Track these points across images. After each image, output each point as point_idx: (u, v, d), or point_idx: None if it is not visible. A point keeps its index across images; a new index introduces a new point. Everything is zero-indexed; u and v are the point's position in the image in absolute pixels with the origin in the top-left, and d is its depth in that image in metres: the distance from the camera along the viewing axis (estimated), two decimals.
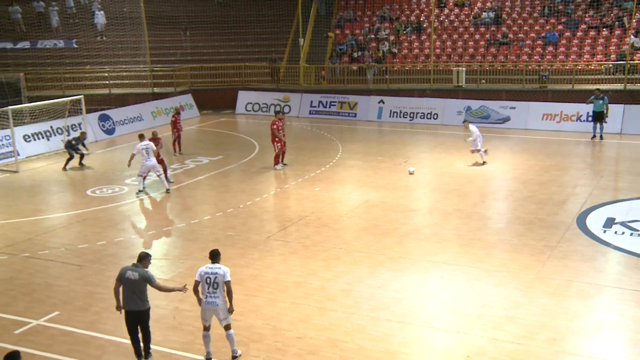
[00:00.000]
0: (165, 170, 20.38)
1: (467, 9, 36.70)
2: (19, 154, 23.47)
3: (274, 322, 11.54)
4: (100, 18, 37.96)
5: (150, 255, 10.49)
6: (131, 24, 36.21)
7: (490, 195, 19.50)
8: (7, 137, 23.97)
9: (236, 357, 10.44)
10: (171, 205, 18.92)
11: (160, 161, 20.27)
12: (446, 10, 37.00)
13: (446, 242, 15.23)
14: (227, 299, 10.10)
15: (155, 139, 20.42)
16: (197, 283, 10.13)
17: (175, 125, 24.83)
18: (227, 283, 10.02)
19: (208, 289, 9.97)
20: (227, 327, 10.26)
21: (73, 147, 23.08)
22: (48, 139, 25.94)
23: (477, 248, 14.77)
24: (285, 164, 22.47)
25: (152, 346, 10.51)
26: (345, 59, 35.77)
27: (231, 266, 13.63)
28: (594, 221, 16.33)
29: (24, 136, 24.98)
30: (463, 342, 10.72)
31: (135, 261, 10.34)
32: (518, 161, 23.04)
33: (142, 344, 10.27)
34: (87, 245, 15.49)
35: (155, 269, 13.96)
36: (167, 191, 19.76)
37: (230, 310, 10.18)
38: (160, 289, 10.34)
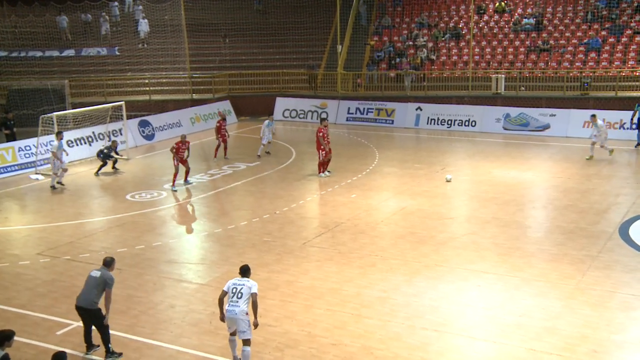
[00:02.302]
0: (186, 172, 21.18)
1: (507, 15, 36.28)
2: (52, 161, 23.94)
3: (309, 328, 11.53)
4: (144, 26, 38.70)
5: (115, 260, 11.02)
6: (172, 31, 36.79)
7: (529, 203, 19.19)
8: (52, 142, 24.48)
9: None
10: (208, 211, 19.10)
11: (184, 162, 20.88)
12: (485, 17, 36.65)
13: (484, 250, 15.03)
14: (251, 312, 10.11)
15: (183, 141, 21.01)
16: (223, 293, 10.27)
17: (220, 130, 25.05)
18: (254, 295, 10.10)
19: (232, 297, 10.11)
20: (245, 343, 10.16)
21: (105, 155, 23.44)
22: (90, 145, 26.46)
23: (516, 257, 14.54)
24: (329, 172, 22.26)
25: (187, 350, 10.62)
26: (382, 66, 35.69)
27: (267, 272, 13.79)
28: (637, 231, 15.93)
29: (67, 141, 25.50)
30: (501, 353, 10.56)
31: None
32: (558, 169, 22.64)
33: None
34: (126, 249, 15.73)
35: (192, 274, 14.16)
36: (174, 190, 20.71)
37: (255, 324, 10.16)
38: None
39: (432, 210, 18.23)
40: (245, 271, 10.45)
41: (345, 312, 12.09)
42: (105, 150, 23.69)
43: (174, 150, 20.72)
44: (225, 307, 10.19)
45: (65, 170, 21.94)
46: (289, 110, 34.51)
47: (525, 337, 10.93)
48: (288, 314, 12.05)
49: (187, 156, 21.12)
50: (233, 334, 10.32)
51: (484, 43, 35.01)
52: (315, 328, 11.52)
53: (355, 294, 12.85)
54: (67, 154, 23.01)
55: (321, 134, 21.90)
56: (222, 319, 10.30)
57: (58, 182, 21.70)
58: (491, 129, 29.68)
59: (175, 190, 20.75)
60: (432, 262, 14.35)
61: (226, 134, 25.29)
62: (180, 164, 20.83)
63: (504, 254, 14.73)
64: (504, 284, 13.14)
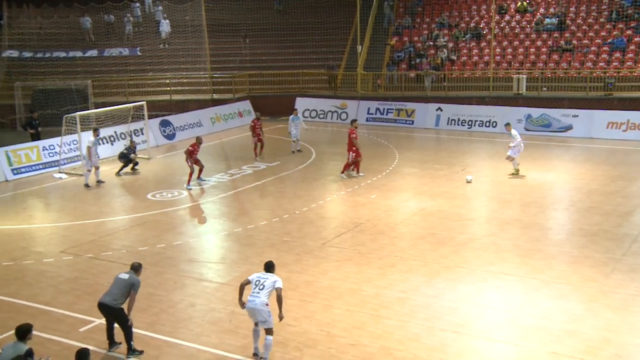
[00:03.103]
0: (200, 170, 21.69)
1: (529, 15, 35.99)
2: (84, 158, 24.21)
3: (328, 328, 11.55)
4: (165, 26, 39.01)
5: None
6: (193, 31, 37.04)
7: (550, 205, 19.03)
8: (75, 142, 24.84)
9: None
10: (228, 210, 19.20)
11: (196, 161, 21.27)
12: (507, 17, 36.39)
13: (504, 252, 14.95)
14: (271, 303, 10.42)
15: (198, 143, 21.54)
16: (246, 281, 10.63)
17: (255, 130, 25.16)
18: (278, 290, 10.43)
19: (254, 289, 10.44)
20: (268, 332, 10.45)
21: (125, 156, 23.69)
22: (112, 144, 26.73)
23: (537, 259, 14.43)
24: (362, 174, 22.06)
25: (207, 349, 10.74)
26: (403, 66, 35.60)
27: (286, 272, 13.83)
28: None
29: (89, 141, 25.77)
30: (521, 355, 10.50)
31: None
32: (581, 171, 22.42)
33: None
34: (147, 247, 15.88)
35: (212, 273, 14.26)
36: (188, 188, 21.12)
37: (280, 317, 10.44)
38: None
39: (452, 211, 18.16)
40: (270, 267, 10.80)
41: (364, 312, 12.10)
42: (125, 151, 23.93)
43: (188, 152, 21.15)
44: (247, 298, 10.45)
45: (97, 167, 22.22)
46: (308, 110, 34.55)
47: (546, 340, 10.86)
48: (307, 314, 12.09)
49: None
50: (257, 324, 10.53)
51: (505, 43, 34.77)
52: (334, 328, 11.54)
53: (375, 294, 12.86)
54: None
55: (354, 135, 21.76)
56: (242, 306, 10.57)
57: (98, 181, 22.10)
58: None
59: (190, 189, 21.00)
60: (452, 264, 14.30)
61: (261, 133, 25.35)
62: (194, 164, 21.23)
63: (524, 256, 14.63)
64: (524, 286, 13.06)
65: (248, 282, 10.60)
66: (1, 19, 38.30)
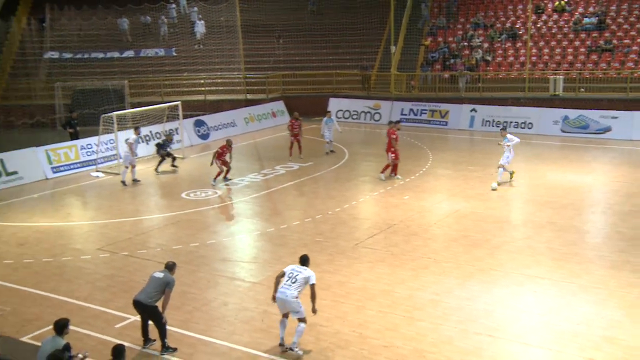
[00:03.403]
0: (226, 172, 21.94)
1: (567, 14, 35.43)
2: (121, 157, 24.60)
3: (361, 329, 11.53)
4: (200, 27, 39.40)
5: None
6: (227, 32, 37.32)
7: (587, 208, 18.70)
8: (112, 141, 25.24)
9: (293, 350, 10.67)
10: (261, 210, 19.30)
11: (224, 162, 21.69)
12: (544, 17, 35.87)
13: (540, 255, 14.74)
14: (312, 300, 10.76)
15: (228, 146, 21.85)
16: (282, 274, 10.90)
17: (292, 129, 25.28)
18: (312, 286, 10.71)
19: (287, 281, 10.71)
20: (301, 320, 10.73)
21: (161, 147, 24.05)
22: (147, 143, 27.08)
23: (573, 263, 14.20)
24: (399, 177, 21.79)
25: (239, 347, 10.85)
26: (437, 67, 35.35)
27: (319, 272, 13.79)
28: None
29: (125, 140, 26.14)
30: None
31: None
32: (619, 174, 21.97)
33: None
34: (181, 246, 16.05)
35: (244, 272, 14.35)
36: (212, 184, 21.58)
37: (314, 311, 10.73)
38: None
39: (486, 213, 17.98)
40: (305, 260, 11.08)
41: (397, 314, 12.05)
42: (161, 142, 24.28)
43: (216, 154, 21.58)
44: (279, 288, 10.75)
45: (134, 166, 22.53)
46: (342, 110, 34.52)
47: (583, 346, 10.67)
48: (339, 315, 12.09)
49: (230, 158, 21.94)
50: (285, 315, 10.81)
51: (541, 43, 34.28)
52: (366, 329, 11.52)
53: (408, 296, 12.80)
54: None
55: (394, 136, 21.59)
56: (274, 299, 10.82)
57: (134, 180, 22.40)
58: (548, 131, 29.04)
59: (214, 185, 21.50)
60: (486, 266, 14.16)
61: (299, 133, 25.36)
62: (222, 165, 21.68)
63: (560, 260, 14.41)
64: (560, 290, 12.86)
65: (283, 275, 10.87)
66: (44, 22, 39.12)
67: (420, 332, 11.36)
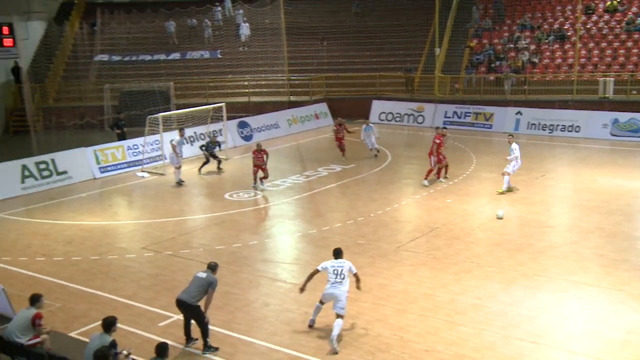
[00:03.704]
0: (263, 177, 21.58)
1: (619, 14, 34.54)
2: (165, 158, 25.04)
3: (402, 333, 11.48)
4: (245, 29, 39.79)
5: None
6: (271, 34, 37.58)
7: (637, 214, 18.22)
8: (157, 142, 25.70)
9: (332, 342, 10.88)
10: (303, 212, 19.37)
11: (263, 169, 21.43)
12: (594, 17, 35.07)
13: (586, 261, 14.42)
14: (357, 283, 11.66)
15: (259, 150, 21.49)
16: (316, 271, 11.51)
17: (336, 134, 25.58)
18: (356, 274, 11.56)
19: (336, 278, 11.26)
20: (340, 317, 11.12)
21: (206, 148, 24.32)
22: (192, 144, 27.47)
23: (622, 270, 13.84)
24: (443, 180, 21.66)
25: (280, 348, 10.94)
26: (482, 69, 34.92)
27: (360, 274, 13.75)
28: None
29: (170, 141, 26.58)
30: None
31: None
32: None
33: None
34: (223, 246, 16.23)
35: (286, 273, 14.43)
36: (253, 186, 21.56)
37: (359, 288, 11.65)
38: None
39: (530, 217, 17.68)
40: (339, 253, 11.66)
41: (438, 318, 11.95)
42: (205, 144, 24.59)
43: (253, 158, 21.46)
44: (326, 286, 11.31)
45: (178, 167, 22.82)
46: (385, 113, 34.41)
47: (633, 356, 10.41)
48: (380, 318, 12.05)
49: (265, 163, 21.54)
50: (322, 302, 11.41)
51: (591, 45, 33.53)
52: (407, 333, 11.45)
53: (449, 300, 12.68)
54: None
55: (438, 141, 21.28)
56: (302, 289, 11.59)
57: (178, 181, 22.68)
58: (597, 134, 28.38)
59: (255, 187, 21.48)
60: (530, 271, 13.92)
61: (342, 138, 25.52)
62: (259, 171, 21.48)
63: (608, 266, 14.07)
64: (607, 298, 12.56)
65: (317, 272, 11.44)
66: (95, 26, 40.11)
67: (461, 337, 11.24)
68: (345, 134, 25.66)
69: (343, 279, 11.22)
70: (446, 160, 21.76)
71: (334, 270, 11.28)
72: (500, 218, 17.36)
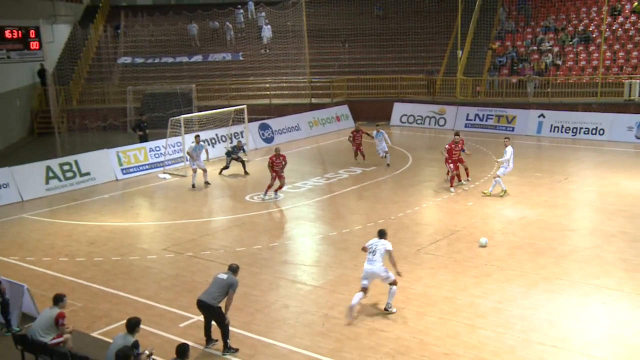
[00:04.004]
0: (280, 187, 20.78)
1: None
2: (187, 160, 25.19)
3: (422, 335, 11.44)
4: (267, 32, 39.95)
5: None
6: (293, 37, 37.67)
7: None
8: (179, 144, 25.90)
9: (388, 310, 12.19)
10: (324, 214, 19.39)
11: (280, 176, 20.65)
12: (620, 19, 34.63)
13: (609, 265, 14.25)
14: (389, 265, 12.33)
15: (277, 155, 20.75)
16: (365, 249, 12.48)
17: (354, 139, 25.31)
18: (390, 252, 12.27)
19: (369, 255, 12.25)
20: (392, 284, 12.24)
21: (229, 153, 24.39)
22: (213, 146, 27.63)
23: None
24: (463, 182, 21.52)
25: (299, 350, 10.96)
26: (504, 72, 34.66)
27: None
28: None
29: (192, 143, 26.80)
30: None
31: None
32: None
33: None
34: (244, 248, 16.31)
35: (306, 275, 14.45)
36: (264, 199, 20.75)
37: (398, 273, 12.29)
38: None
39: (552, 221, 17.51)
40: (383, 234, 12.52)
41: (458, 321, 11.89)
42: (230, 149, 24.71)
43: (270, 164, 20.62)
44: (365, 263, 12.24)
45: (204, 170, 22.99)
46: (406, 115, 34.32)
47: None
48: (400, 320, 12.03)
49: (282, 170, 20.74)
50: (364, 290, 12.17)
51: (616, 47, 33.13)
52: (427, 336, 11.41)
53: (470, 303, 12.61)
54: (208, 158, 24.49)
55: (448, 147, 21.02)
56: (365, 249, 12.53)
57: (206, 182, 22.83)
58: (621, 137, 28.04)
59: (264, 199, 20.53)
60: (552, 275, 13.80)
61: (360, 143, 25.26)
62: (277, 178, 20.66)
63: (632, 271, 13.89)
64: (631, 303, 12.40)
65: (366, 249, 12.41)
66: (118, 29, 40.57)
67: (482, 340, 11.17)
68: (365, 137, 25.46)
69: (374, 255, 12.16)
70: (465, 163, 21.52)
71: (370, 247, 12.32)
72: (484, 246, 15.63)
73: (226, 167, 24.48)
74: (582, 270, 14.03)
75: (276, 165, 20.63)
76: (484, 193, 20.10)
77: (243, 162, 24.62)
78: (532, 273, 13.95)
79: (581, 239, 16.22)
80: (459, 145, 21.06)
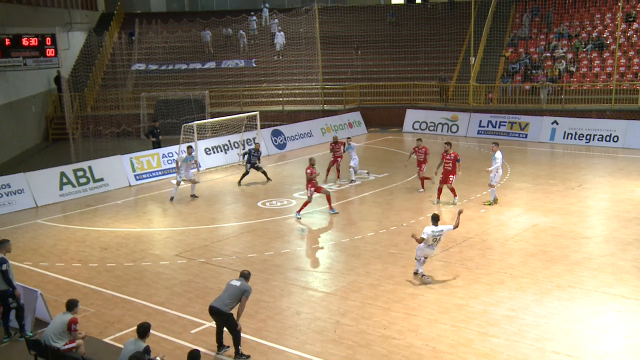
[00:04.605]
0: (328, 199, 19.74)
1: None
2: (200, 166, 25.30)
3: (434, 343, 11.37)
4: (280, 39, 40.09)
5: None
6: (306, 43, 37.77)
7: None
8: (182, 153, 25.92)
9: (425, 279, 14.04)
10: (336, 220, 19.36)
11: (319, 189, 19.56)
12: (635, 25, 34.40)
13: (624, 273, 14.11)
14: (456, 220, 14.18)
15: (312, 165, 19.38)
16: (422, 239, 13.71)
17: (334, 151, 23.98)
18: (450, 230, 14.08)
19: (432, 241, 13.80)
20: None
21: (250, 160, 24.19)
22: (226, 152, 27.73)
23: None
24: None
25: (311, 357, 10.97)
26: (517, 78, 34.54)
27: (392, 284, 13.80)
28: None
29: (205, 149, 26.91)
30: None
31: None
32: None
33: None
34: (255, 254, 16.31)
35: (318, 282, 14.42)
36: (298, 217, 19.41)
37: (457, 224, 14.21)
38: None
39: (566, 228, 17.38)
40: (436, 219, 13.95)
41: (471, 329, 11.82)
42: (247, 151, 24.46)
43: (309, 174, 19.16)
44: (421, 246, 13.86)
45: (194, 182, 22.23)
46: (418, 122, 34.26)
47: None
48: (412, 328, 11.96)
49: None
50: (419, 261, 14.10)
51: (631, 53, 32.92)
52: (439, 344, 11.35)
53: (482, 311, 12.53)
54: (198, 170, 23.99)
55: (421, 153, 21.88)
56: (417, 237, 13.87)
57: (192, 195, 21.99)
58: (636, 144, 27.80)
59: (299, 218, 19.36)
60: (565, 283, 13.68)
61: (340, 155, 23.88)
62: (315, 192, 19.36)
63: None
64: None
65: (424, 240, 13.68)
66: (133, 35, 40.89)
67: (494, 348, 11.09)
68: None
69: (437, 242, 13.92)
70: (450, 183, 20.20)
71: (433, 237, 13.77)
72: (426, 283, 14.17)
73: (246, 174, 24.19)
74: (597, 279, 13.91)
75: (315, 176, 19.23)
76: (485, 204, 19.82)
77: (264, 171, 24.31)
78: (545, 281, 13.85)
79: (595, 246, 16.09)
80: (449, 155, 20.09)
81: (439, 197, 20.39)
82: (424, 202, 20.68)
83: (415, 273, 14.22)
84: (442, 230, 13.86)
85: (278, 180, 24.65)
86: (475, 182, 22.42)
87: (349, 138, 24.72)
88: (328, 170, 24.16)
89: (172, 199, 21.86)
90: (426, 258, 14.08)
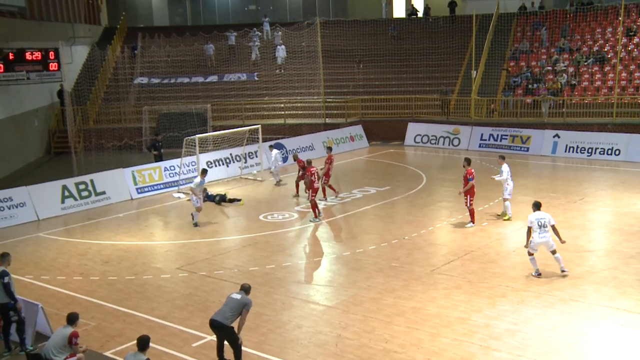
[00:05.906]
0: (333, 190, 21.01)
1: None
2: (191, 198, 25.20)
3: (436, 357, 11.32)
4: (281, 52, 40.26)
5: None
6: (308, 57, 37.91)
7: None
8: (193, 163, 26.02)
9: (564, 272, 14.54)
10: (337, 234, 19.35)
11: (315, 189, 20.35)
12: (636, 39, 34.52)
13: (627, 287, 14.07)
14: (557, 235, 14.51)
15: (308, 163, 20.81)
16: (530, 229, 14.39)
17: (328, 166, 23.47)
18: (554, 226, 14.48)
19: (541, 228, 14.32)
20: (554, 252, 14.51)
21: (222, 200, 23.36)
22: (227, 166, 27.76)
23: None
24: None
25: None
26: (519, 92, 34.62)
27: (393, 298, 13.75)
28: None
29: (207, 162, 26.92)
30: None
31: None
32: None
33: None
34: (257, 268, 16.29)
35: (319, 296, 14.39)
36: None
37: (562, 241, 14.59)
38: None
39: (568, 242, 17.21)
40: (538, 205, 14.67)
41: (473, 342, 11.77)
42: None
43: (308, 176, 20.06)
44: (534, 236, 14.38)
45: (199, 209, 20.51)
46: (420, 135, 34.29)
47: None
48: (414, 342, 11.92)
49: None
50: (530, 253, 14.61)
51: (632, 67, 33.00)
52: (441, 357, 11.30)
53: (484, 324, 12.49)
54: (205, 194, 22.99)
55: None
56: (528, 246, 14.61)
57: (194, 223, 20.47)
58: (638, 158, 27.77)
59: (319, 222, 20.08)
60: (567, 296, 13.64)
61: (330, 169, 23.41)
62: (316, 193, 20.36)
63: None
64: None
65: (530, 228, 14.34)
66: (135, 49, 41.09)
67: None
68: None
69: (545, 227, 14.23)
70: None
71: (538, 222, 14.22)
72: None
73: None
74: (599, 292, 13.86)
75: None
76: (504, 219, 19.71)
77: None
78: (547, 294, 13.81)
79: (598, 260, 16.04)
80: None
81: (472, 221, 19.26)
82: (426, 215, 20.67)
83: (539, 275, 14.66)
84: (544, 217, 14.40)
85: (280, 194, 24.66)
86: (477, 196, 22.28)
87: (271, 145, 27.22)
88: (296, 184, 24.01)
89: (195, 224, 20.40)
90: (554, 251, 14.51)
